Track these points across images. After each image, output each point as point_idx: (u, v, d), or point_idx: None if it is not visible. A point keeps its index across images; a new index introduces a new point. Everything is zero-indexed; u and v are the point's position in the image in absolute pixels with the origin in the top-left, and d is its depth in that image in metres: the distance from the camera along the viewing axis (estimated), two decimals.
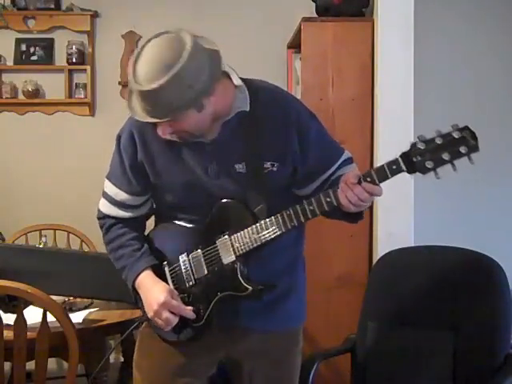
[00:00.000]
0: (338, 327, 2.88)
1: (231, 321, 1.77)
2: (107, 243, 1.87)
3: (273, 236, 1.66)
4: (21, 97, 4.03)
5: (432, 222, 3.19)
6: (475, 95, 3.30)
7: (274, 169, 1.72)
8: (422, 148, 1.50)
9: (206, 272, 1.73)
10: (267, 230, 1.66)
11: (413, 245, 2.82)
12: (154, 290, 1.74)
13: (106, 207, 1.87)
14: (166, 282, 1.78)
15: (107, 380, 2.42)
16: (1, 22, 3.93)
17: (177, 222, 1.81)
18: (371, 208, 3.02)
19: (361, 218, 1.73)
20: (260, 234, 1.67)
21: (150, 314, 1.75)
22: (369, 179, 1.57)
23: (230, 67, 1.71)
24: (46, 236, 3.25)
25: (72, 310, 2.46)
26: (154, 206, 1.90)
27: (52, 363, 2.94)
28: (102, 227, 1.89)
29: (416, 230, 2.91)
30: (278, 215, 1.66)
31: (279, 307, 1.80)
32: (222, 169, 1.72)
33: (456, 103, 3.30)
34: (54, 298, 2.15)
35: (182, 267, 1.77)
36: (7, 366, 2.11)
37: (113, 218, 1.86)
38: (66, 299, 2.56)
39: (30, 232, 3.71)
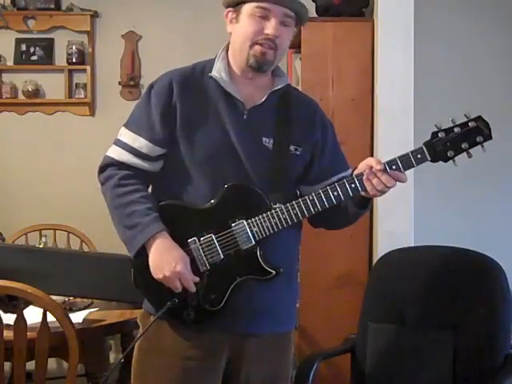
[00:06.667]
0: (338, 327, 2.88)
1: (231, 326, 1.75)
2: (115, 197, 1.75)
3: (295, 220, 1.69)
4: (21, 97, 4.03)
5: (432, 222, 3.19)
6: (475, 95, 3.29)
7: (297, 153, 1.79)
8: (443, 137, 1.61)
9: (222, 257, 1.71)
10: (288, 214, 1.68)
11: (413, 245, 2.82)
12: (170, 255, 1.69)
13: (119, 153, 1.78)
14: None
15: (107, 380, 2.41)
16: (1, 22, 3.93)
17: (179, 201, 1.75)
18: (371, 208, 3.02)
19: (368, 205, 1.78)
20: (281, 218, 1.68)
21: (157, 275, 1.69)
22: (394, 167, 1.63)
23: None
24: (46, 236, 3.24)
25: (72, 310, 2.45)
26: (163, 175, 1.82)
27: (52, 363, 2.94)
28: (108, 178, 1.78)
29: (416, 230, 2.91)
30: (300, 200, 1.69)
31: (275, 309, 1.79)
32: (252, 137, 1.76)
33: (456, 103, 3.29)
34: (54, 297, 2.14)
35: (194, 252, 1.72)
36: (7, 366, 2.11)
37: (123, 166, 1.77)
38: (66, 299, 2.55)
39: (30, 232, 3.71)
